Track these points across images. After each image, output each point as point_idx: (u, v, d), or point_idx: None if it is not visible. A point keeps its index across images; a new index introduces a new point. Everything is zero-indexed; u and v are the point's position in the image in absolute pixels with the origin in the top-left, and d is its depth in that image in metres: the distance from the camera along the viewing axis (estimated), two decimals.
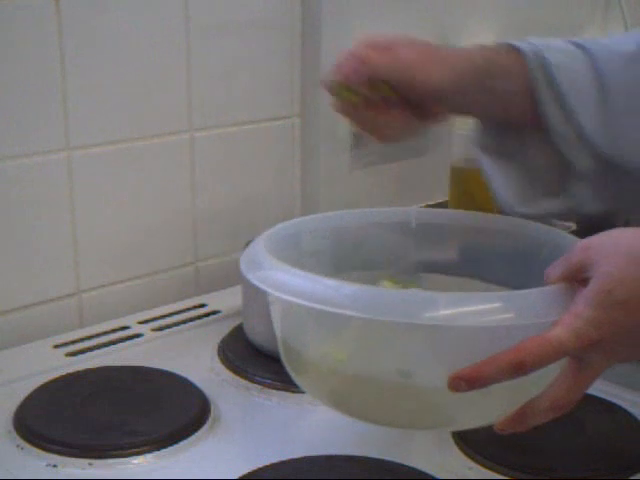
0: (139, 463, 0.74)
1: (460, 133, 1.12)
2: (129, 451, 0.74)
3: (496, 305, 0.57)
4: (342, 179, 1.22)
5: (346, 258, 0.76)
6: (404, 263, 0.77)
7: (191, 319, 1.01)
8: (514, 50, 0.83)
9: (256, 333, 0.92)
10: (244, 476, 0.71)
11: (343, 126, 1.20)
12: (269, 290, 0.62)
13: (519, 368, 0.56)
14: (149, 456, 0.74)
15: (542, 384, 0.60)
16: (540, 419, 0.61)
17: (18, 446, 0.75)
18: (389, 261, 0.77)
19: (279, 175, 1.18)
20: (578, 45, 0.86)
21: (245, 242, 0.94)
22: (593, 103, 0.83)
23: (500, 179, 0.89)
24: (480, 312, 0.57)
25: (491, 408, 0.62)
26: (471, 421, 0.65)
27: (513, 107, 0.84)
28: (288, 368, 0.69)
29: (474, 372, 0.56)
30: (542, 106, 0.83)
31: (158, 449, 0.75)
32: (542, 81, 0.83)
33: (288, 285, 0.60)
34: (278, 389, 0.85)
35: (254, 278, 0.63)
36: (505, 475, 0.72)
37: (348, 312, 0.57)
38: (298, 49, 1.15)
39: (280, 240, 0.69)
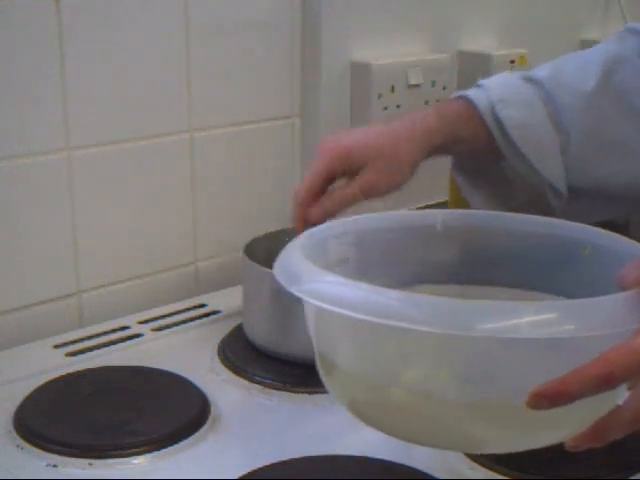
0: (139, 463, 0.74)
1: None
2: (129, 451, 0.74)
3: (572, 314, 0.53)
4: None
5: (373, 265, 0.72)
6: (431, 269, 0.75)
7: (191, 319, 1.01)
8: (471, 107, 0.86)
9: (256, 333, 0.92)
10: (244, 476, 0.71)
11: (343, 126, 1.20)
12: (325, 305, 0.56)
13: (607, 381, 0.51)
14: (149, 456, 0.74)
15: (616, 396, 0.56)
16: (620, 433, 0.56)
17: (18, 446, 0.75)
18: (417, 267, 0.75)
19: (279, 175, 1.18)
20: (536, 85, 0.88)
21: (245, 243, 0.94)
22: (554, 154, 0.87)
23: (478, 197, 0.91)
24: (555, 322, 0.52)
25: (565, 425, 0.57)
26: (538, 440, 0.59)
27: (481, 156, 0.89)
28: (325, 378, 0.65)
29: (558, 387, 0.51)
30: (506, 159, 0.86)
31: (158, 449, 0.75)
32: (501, 140, 0.86)
33: (346, 299, 0.55)
34: (278, 389, 0.85)
35: (300, 291, 0.57)
36: (505, 475, 0.72)
37: (413, 326, 0.53)
38: (298, 49, 1.15)
39: (308, 248, 0.65)
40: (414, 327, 0.53)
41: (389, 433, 0.62)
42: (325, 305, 0.55)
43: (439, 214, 0.75)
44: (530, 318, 0.52)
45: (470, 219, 0.75)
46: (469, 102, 0.86)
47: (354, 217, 0.73)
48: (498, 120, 0.85)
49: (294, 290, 0.58)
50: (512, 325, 0.52)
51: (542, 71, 0.90)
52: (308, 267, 0.59)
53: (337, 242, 0.71)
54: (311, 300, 0.57)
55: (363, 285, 0.55)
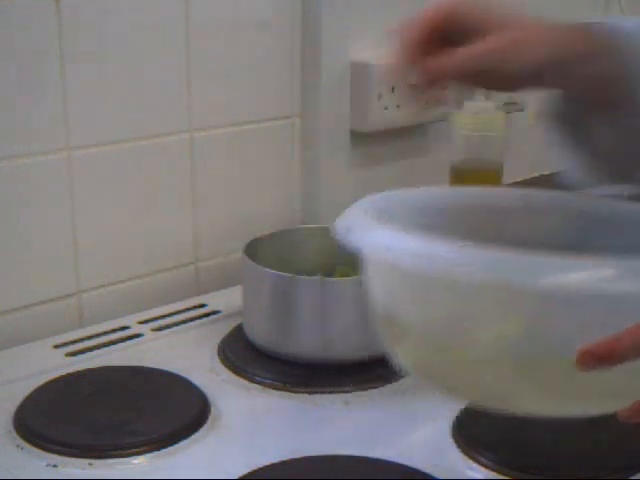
0: (139, 463, 0.74)
1: (460, 133, 1.12)
2: (129, 451, 0.74)
3: (634, 271, 0.51)
4: (342, 179, 1.22)
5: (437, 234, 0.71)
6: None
7: (191, 319, 1.01)
8: (611, 33, 0.75)
9: (256, 333, 0.92)
10: (244, 476, 0.71)
11: (343, 126, 1.20)
12: (391, 258, 0.54)
13: None
14: (149, 456, 0.74)
15: None
16: None
17: (18, 446, 0.75)
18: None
19: (279, 175, 1.18)
20: None
21: (245, 243, 0.94)
22: None
23: (569, 157, 0.84)
24: (615, 279, 0.51)
25: (622, 391, 0.55)
26: (594, 406, 0.58)
27: (603, 91, 0.74)
28: (387, 341, 0.62)
29: (607, 347, 0.49)
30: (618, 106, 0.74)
31: (158, 449, 0.75)
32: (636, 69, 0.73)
33: (412, 252, 0.53)
34: (278, 389, 0.85)
35: (363, 245, 0.56)
36: (505, 475, 0.72)
37: (478, 279, 0.52)
38: (298, 49, 1.15)
39: (373, 210, 0.62)
40: (479, 280, 0.52)
41: (454, 394, 0.62)
42: (392, 258, 0.55)
43: (502, 191, 0.74)
44: (591, 273, 0.51)
45: (531, 199, 0.72)
46: (607, 28, 0.76)
47: (420, 189, 0.71)
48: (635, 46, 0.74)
49: (358, 244, 0.57)
50: (571, 280, 0.51)
51: None
52: (372, 223, 0.58)
53: (403, 210, 0.68)
54: (377, 253, 0.56)
55: (429, 238, 0.54)
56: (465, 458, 0.74)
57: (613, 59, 0.72)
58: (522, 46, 0.66)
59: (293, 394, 0.85)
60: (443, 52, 0.65)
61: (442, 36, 0.66)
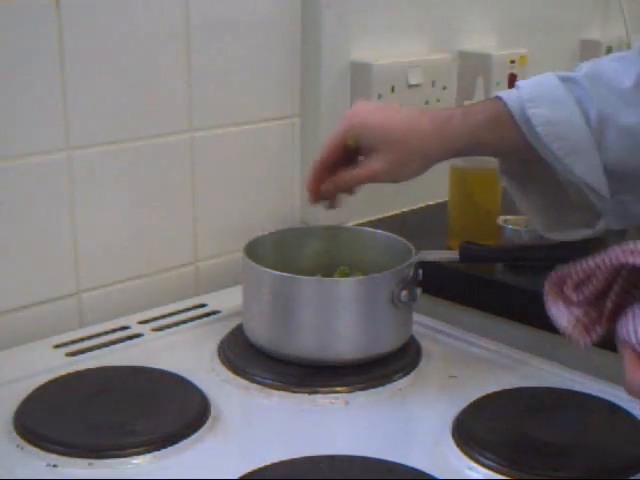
0: (139, 463, 0.74)
1: None
2: (129, 451, 0.74)
3: None
4: None
5: None
6: None
7: (191, 319, 1.01)
8: (501, 105, 0.85)
9: (256, 333, 0.92)
10: (244, 476, 0.71)
11: None
12: None
13: None
14: (149, 456, 0.74)
15: None
16: None
17: (18, 446, 0.75)
18: None
19: (279, 175, 1.18)
20: (571, 84, 0.85)
21: (245, 243, 0.94)
22: (587, 150, 0.84)
23: (526, 203, 0.90)
24: None
25: None
26: None
27: (528, 160, 0.87)
28: None
29: None
30: (542, 158, 0.85)
31: (158, 449, 0.75)
32: (532, 139, 0.84)
33: None
34: (278, 389, 0.85)
35: None
36: (505, 475, 0.72)
37: None
38: (298, 49, 1.15)
39: None
40: None
41: None
42: None
43: None
44: None
45: None
46: (500, 101, 0.85)
47: None
48: (527, 118, 0.84)
49: None
50: None
51: (581, 70, 0.88)
52: None
53: None
54: None
55: None
56: (465, 458, 0.74)
57: (507, 139, 0.85)
58: (399, 167, 0.87)
59: (293, 394, 0.85)
60: (344, 170, 0.89)
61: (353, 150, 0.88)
